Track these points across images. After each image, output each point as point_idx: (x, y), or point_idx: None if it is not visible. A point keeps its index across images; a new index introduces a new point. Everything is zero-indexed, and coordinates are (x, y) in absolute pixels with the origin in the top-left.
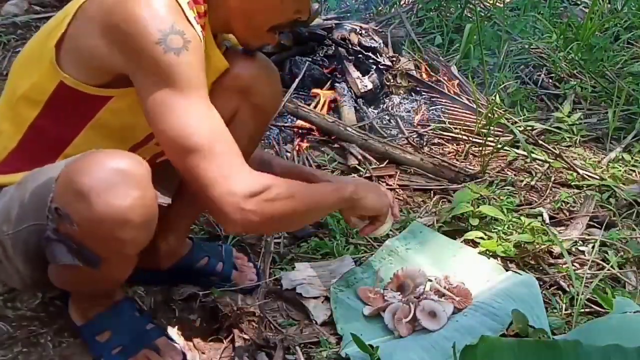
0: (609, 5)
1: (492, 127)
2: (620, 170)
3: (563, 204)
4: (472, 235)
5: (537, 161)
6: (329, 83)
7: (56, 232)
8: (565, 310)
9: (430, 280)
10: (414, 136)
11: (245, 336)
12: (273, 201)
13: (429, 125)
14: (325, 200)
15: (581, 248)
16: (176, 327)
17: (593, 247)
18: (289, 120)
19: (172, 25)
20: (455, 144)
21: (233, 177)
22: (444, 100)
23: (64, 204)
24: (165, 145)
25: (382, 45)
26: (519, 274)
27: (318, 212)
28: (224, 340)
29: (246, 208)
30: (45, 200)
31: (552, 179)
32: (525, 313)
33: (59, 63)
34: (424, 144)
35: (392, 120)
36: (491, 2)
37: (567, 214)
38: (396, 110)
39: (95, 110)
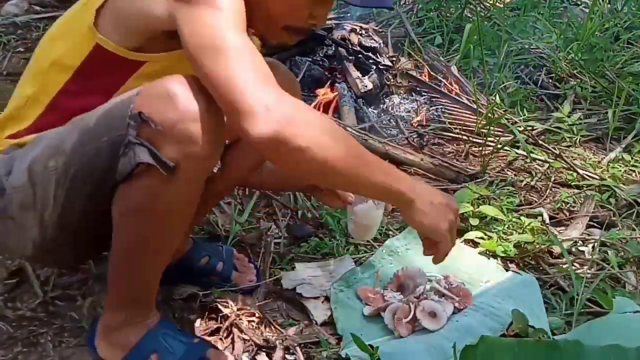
0: (609, 6)
1: (492, 127)
2: (620, 170)
3: (563, 204)
4: (472, 235)
5: (537, 161)
6: (328, 83)
7: (137, 137)
8: (565, 310)
9: (430, 281)
10: (414, 136)
11: (245, 336)
12: (303, 122)
13: (429, 126)
14: (373, 175)
15: (581, 248)
16: (176, 327)
17: (593, 247)
18: None
19: None
20: (455, 144)
21: (271, 90)
22: (444, 100)
23: (148, 108)
24: (188, 47)
25: (382, 45)
26: (519, 274)
27: (357, 180)
28: (224, 340)
29: (281, 118)
30: (123, 112)
31: (552, 179)
32: (525, 313)
33: (96, 27)
34: (424, 144)
35: (392, 121)
36: (491, 2)
37: (567, 214)
38: (396, 111)
39: (126, 77)
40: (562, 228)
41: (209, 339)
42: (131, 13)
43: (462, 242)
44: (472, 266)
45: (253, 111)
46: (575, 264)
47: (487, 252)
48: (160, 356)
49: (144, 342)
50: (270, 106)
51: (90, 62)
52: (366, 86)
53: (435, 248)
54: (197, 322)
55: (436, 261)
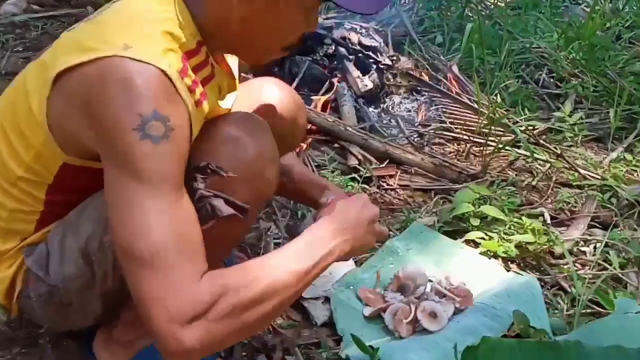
0: (610, 5)
1: (493, 127)
2: (621, 170)
3: (564, 204)
4: (473, 235)
5: (539, 161)
6: (328, 82)
7: (208, 189)
8: (567, 310)
9: (431, 281)
10: (415, 136)
11: None
12: (223, 318)
13: (430, 125)
14: (308, 274)
15: (583, 248)
16: None
17: (595, 247)
18: None
19: (154, 109)
20: (456, 144)
21: (174, 298)
22: (444, 100)
23: (212, 157)
24: (115, 243)
25: (382, 44)
26: (520, 274)
27: (296, 293)
28: None
29: (186, 339)
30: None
31: (554, 179)
32: (526, 314)
33: (57, 141)
34: (425, 143)
35: (392, 120)
36: (492, 1)
37: (569, 214)
38: (397, 110)
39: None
40: (564, 228)
41: None
42: (73, 137)
43: (463, 242)
44: (473, 267)
45: (163, 342)
46: (576, 264)
47: (488, 253)
48: None
49: (149, 351)
50: (176, 334)
51: (64, 177)
52: (366, 85)
53: None
54: None
55: None
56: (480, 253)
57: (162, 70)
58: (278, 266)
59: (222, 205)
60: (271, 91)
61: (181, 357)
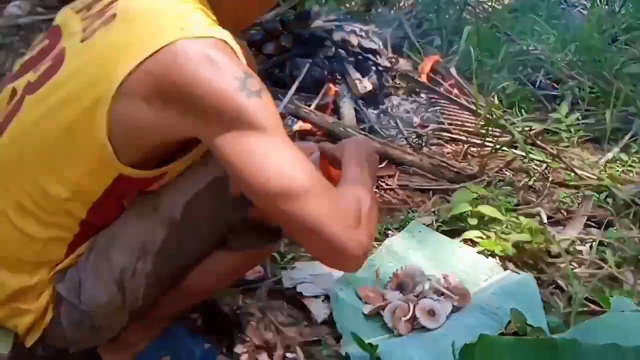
0: (606, 7)
1: (490, 128)
2: (617, 171)
3: (561, 204)
4: (470, 234)
5: (535, 161)
6: (326, 84)
7: (244, 221)
8: (564, 309)
9: (429, 280)
10: (414, 137)
11: (246, 336)
12: (370, 218)
13: (428, 126)
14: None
15: (579, 248)
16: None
17: (591, 246)
18: (290, 121)
19: (244, 70)
20: (454, 145)
21: (340, 213)
22: (442, 101)
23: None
24: (259, 194)
25: (381, 46)
26: (517, 273)
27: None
28: (224, 339)
29: (363, 238)
30: (218, 199)
31: (550, 179)
32: (523, 312)
33: (116, 152)
34: (423, 144)
35: (391, 121)
36: (490, 4)
37: (565, 213)
38: (395, 111)
39: (148, 189)
40: (560, 228)
41: (209, 338)
42: (144, 133)
43: (460, 241)
44: (470, 265)
45: (349, 248)
46: (573, 263)
47: (486, 252)
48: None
49: (154, 347)
50: (356, 236)
51: (113, 190)
52: (366, 87)
53: None
54: (198, 322)
55: None
56: (477, 252)
57: (222, 39)
58: (363, 188)
59: (260, 238)
60: None
61: (363, 256)
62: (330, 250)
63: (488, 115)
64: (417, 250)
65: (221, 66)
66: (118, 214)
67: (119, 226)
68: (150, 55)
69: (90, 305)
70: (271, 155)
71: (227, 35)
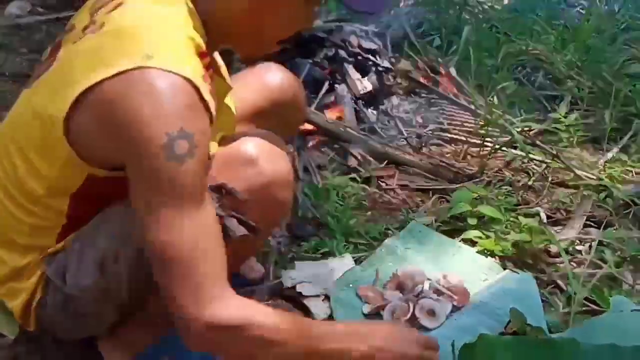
0: (606, 7)
1: (490, 128)
2: (617, 171)
3: (560, 204)
4: (470, 234)
5: (535, 161)
6: (327, 84)
7: (222, 209)
8: (563, 309)
9: (429, 279)
10: (413, 137)
11: None
12: (250, 340)
13: (428, 126)
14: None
15: (578, 247)
16: None
17: (590, 246)
18: None
19: (181, 127)
20: (453, 145)
21: (208, 304)
22: (442, 102)
23: (228, 177)
24: (148, 253)
25: (381, 47)
26: (516, 272)
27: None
28: None
29: (211, 339)
30: None
31: (550, 179)
32: (522, 311)
33: (80, 156)
34: (423, 144)
35: (391, 121)
36: (489, 4)
37: (565, 213)
38: (395, 112)
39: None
40: (560, 227)
41: None
42: (95, 150)
43: (460, 241)
44: (470, 265)
45: (190, 336)
46: (572, 263)
47: (485, 252)
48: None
49: (154, 347)
50: (203, 333)
51: (89, 188)
52: (365, 87)
53: None
54: None
55: None
56: (477, 252)
57: (186, 78)
58: (298, 336)
59: (234, 226)
60: (272, 76)
61: (204, 350)
62: (180, 328)
63: (487, 116)
64: (416, 251)
65: (159, 112)
66: (106, 206)
67: (107, 213)
68: (110, 77)
69: (73, 287)
70: (165, 220)
71: (196, 73)
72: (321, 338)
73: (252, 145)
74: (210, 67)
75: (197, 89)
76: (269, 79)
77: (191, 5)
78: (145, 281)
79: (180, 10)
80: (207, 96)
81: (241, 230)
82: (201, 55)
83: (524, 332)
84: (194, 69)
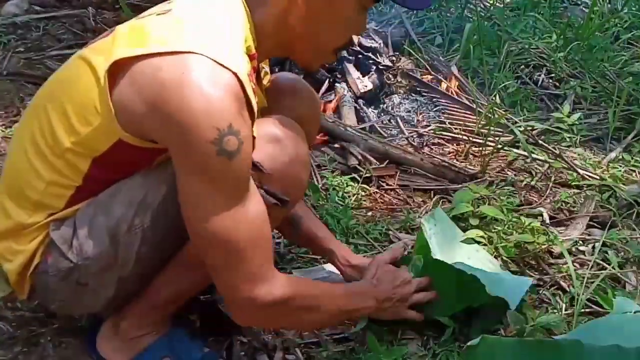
0: (609, 6)
1: (492, 127)
2: (620, 171)
3: (563, 204)
4: (472, 234)
5: (537, 161)
6: (327, 83)
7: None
8: (566, 310)
9: None
10: (414, 136)
11: (244, 338)
12: (291, 313)
13: (429, 125)
14: (345, 314)
15: (581, 248)
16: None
17: (593, 247)
18: None
19: (230, 123)
20: (455, 144)
21: (260, 286)
22: (444, 101)
23: (255, 153)
24: (196, 237)
25: (382, 45)
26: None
27: (335, 322)
28: (223, 342)
29: (264, 315)
30: None
31: (552, 179)
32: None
33: (117, 115)
34: (424, 144)
35: (392, 121)
36: (491, 2)
37: (567, 214)
38: (396, 111)
39: (152, 159)
40: (562, 228)
41: (209, 340)
42: (137, 121)
43: (461, 242)
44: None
45: (242, 313)
46: (575, 263)
47: (487, 252)
48: None
49: (154, 347)
50: (255, 311)
51: (115, 153)
52: (366, 86)
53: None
54: (197, 323)
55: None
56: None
57: (235, 73)
58: (331, 296)
59: (265, 197)
60: (290, 89)
61: (253, 324)
62: (231, 308)
63: (489, 115)
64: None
65: (211, 107)
66: (130, 173)
67: (123, 183)
68: (163, 53)
69: (79, 255)
70: (217, 210)
71: (244, 70)
72: (342, 297)
73: (277, 125)
74: (256, 72)
75: (243, 85)
76: (289, 94)
77: (248, 12)
78: (152, 257)
79: (239, 13)
80: (251, 93)
81: (270, 200)
82: (250, 57)
83: (523, 332)
84: (243, 66)
